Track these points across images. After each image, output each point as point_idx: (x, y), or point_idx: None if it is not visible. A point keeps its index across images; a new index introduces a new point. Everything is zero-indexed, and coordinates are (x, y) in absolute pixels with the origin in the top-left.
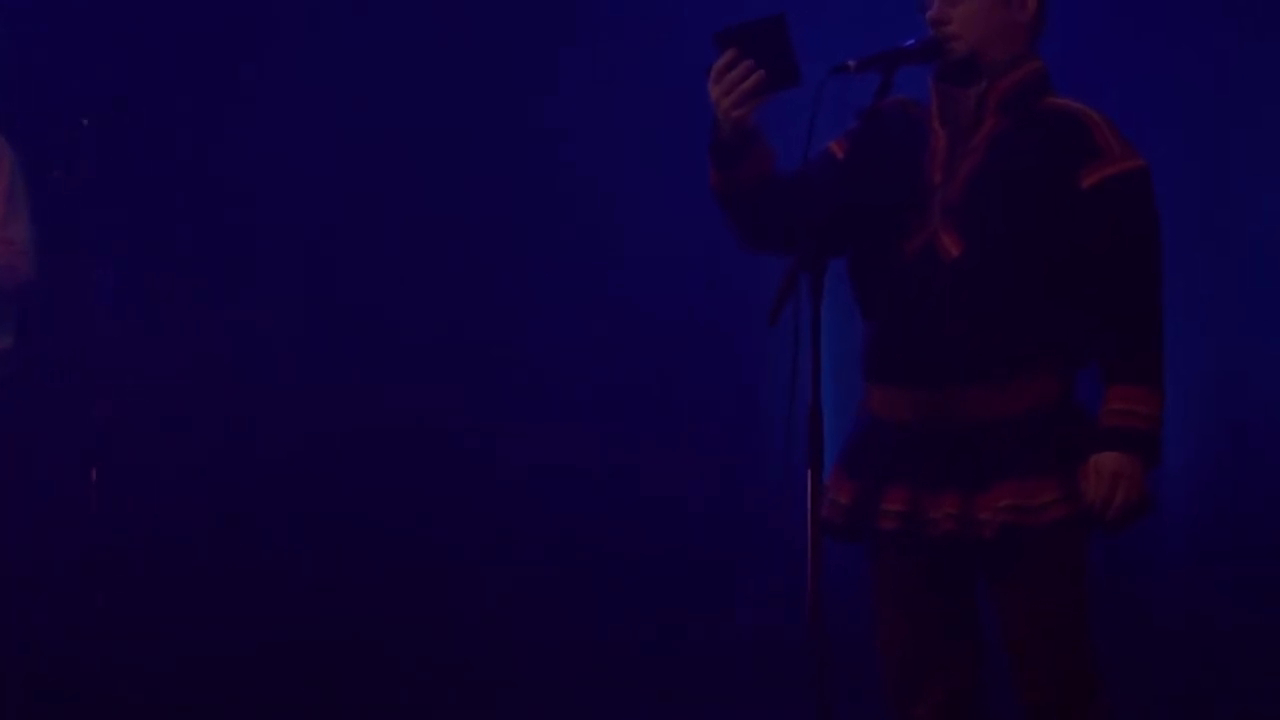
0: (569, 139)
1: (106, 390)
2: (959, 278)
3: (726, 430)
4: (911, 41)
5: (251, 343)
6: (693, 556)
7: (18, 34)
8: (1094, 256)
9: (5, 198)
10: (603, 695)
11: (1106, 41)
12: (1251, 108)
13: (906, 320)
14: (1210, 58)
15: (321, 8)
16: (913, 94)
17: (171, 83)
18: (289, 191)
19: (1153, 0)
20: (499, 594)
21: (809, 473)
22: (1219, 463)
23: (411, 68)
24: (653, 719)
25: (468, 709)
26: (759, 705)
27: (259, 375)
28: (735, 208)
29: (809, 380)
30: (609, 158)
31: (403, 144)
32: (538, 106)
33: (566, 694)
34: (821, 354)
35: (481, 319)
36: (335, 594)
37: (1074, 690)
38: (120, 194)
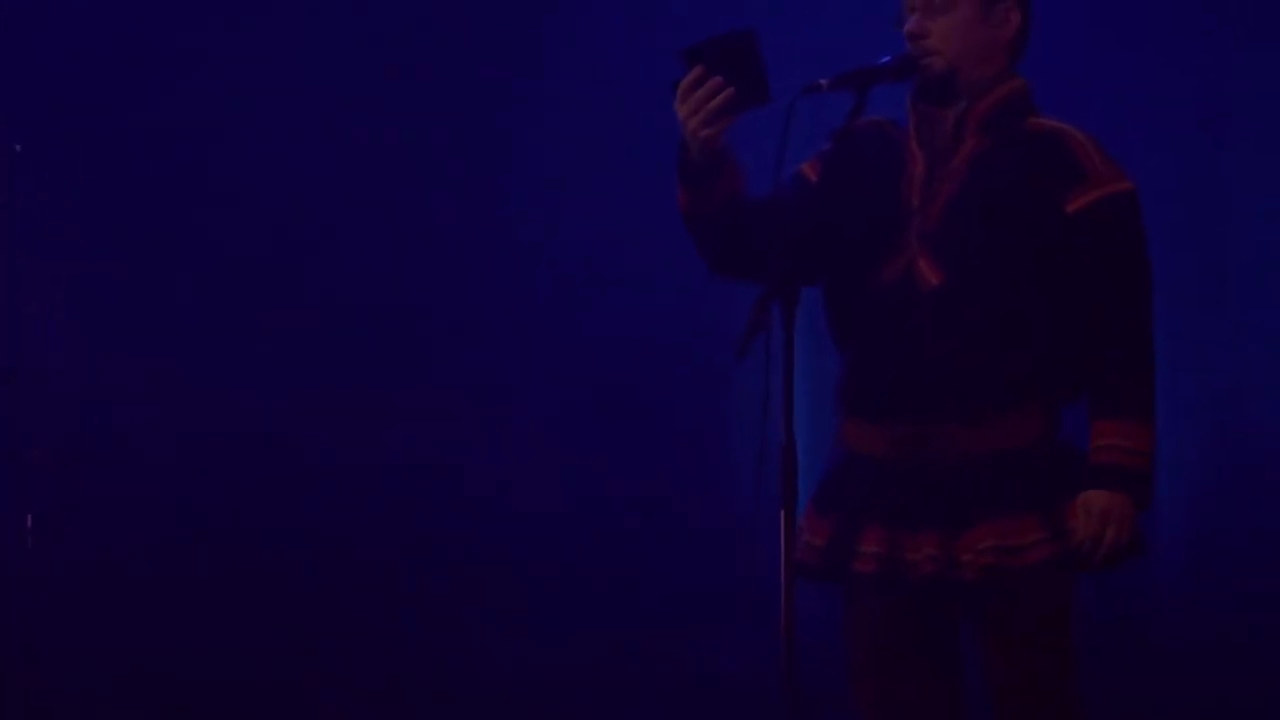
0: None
1: (51, 420)
2: (938, 307)
3: (694, 467)
4: (887, 58)
5: (218, 356)
6: (662, 599)
7: None
8: (1080, 284)
9: None
10: None
11: (1090, 57)
12: (1242, 121)
13: (883, 352)
14: (1197, 71)
15: (281, 9)
16: (891, 114)
17: (128, 89)
18: (256, 196)
19: (1137, 14)
20: (462, 625)
21: (782, 512)
22: (1219, 493)
23: (385, 68)
24: None
25: None
26: None
27: (226, 388)
28: (704, 231)
29: (781, 415)
30: (572, 182)
31: (373, 149)
32: (518, 116)
33: None
34: (794, 387)
35: (445, 350)
36: (308, 607)
37: None
38: (58, 217)
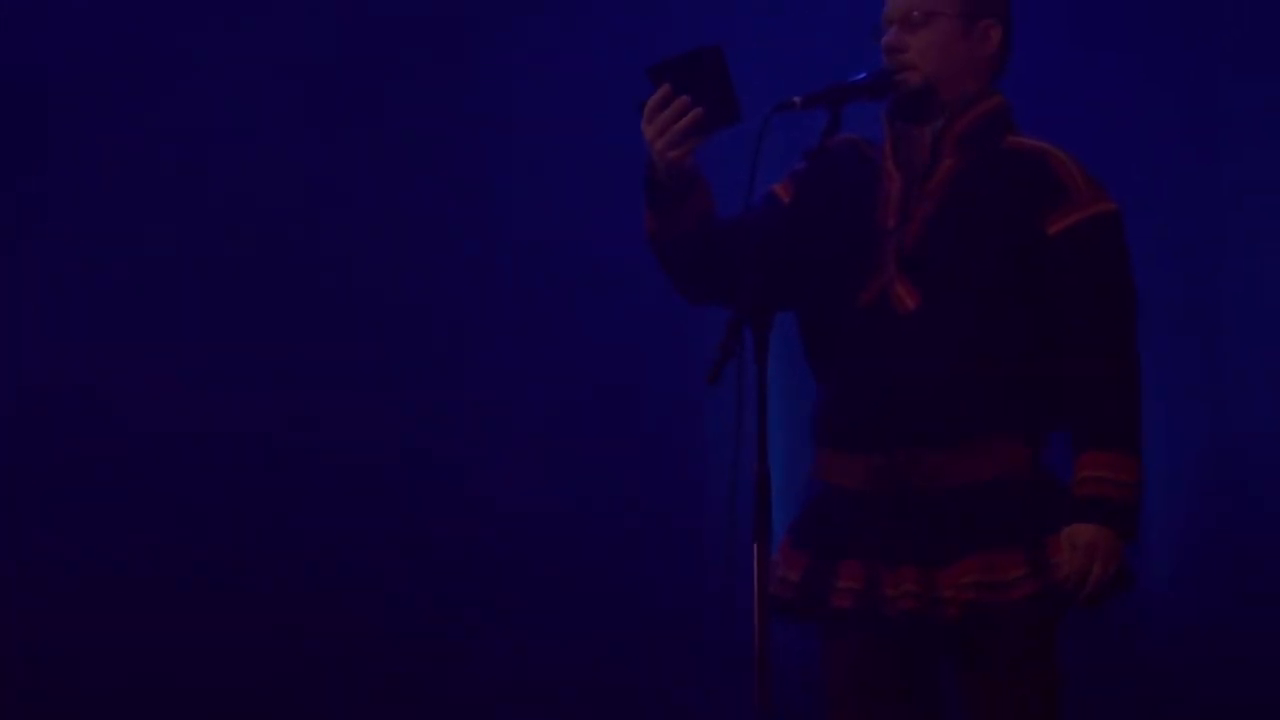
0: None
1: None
2: (916, 332)
3: (665, 500)
4: (862, 75)
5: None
6: (631, 639)
7: None
8: (1062, 308)
9: None
10: None
11: (1074, 66)
12: (1236, 139)
13: (859, 379)
14: (1191, 89)
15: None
16: (867, 132)
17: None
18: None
19: (1121, 23)
20: (442, 627)
21: (755, 547)
22: (1212, 513)
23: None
24: None
25: None
26: None
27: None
28: (673, 256)
29: (755, 445)
30: (537, 202)
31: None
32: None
33: None
34: (768, 416)
35: (432, 353)
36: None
37: None
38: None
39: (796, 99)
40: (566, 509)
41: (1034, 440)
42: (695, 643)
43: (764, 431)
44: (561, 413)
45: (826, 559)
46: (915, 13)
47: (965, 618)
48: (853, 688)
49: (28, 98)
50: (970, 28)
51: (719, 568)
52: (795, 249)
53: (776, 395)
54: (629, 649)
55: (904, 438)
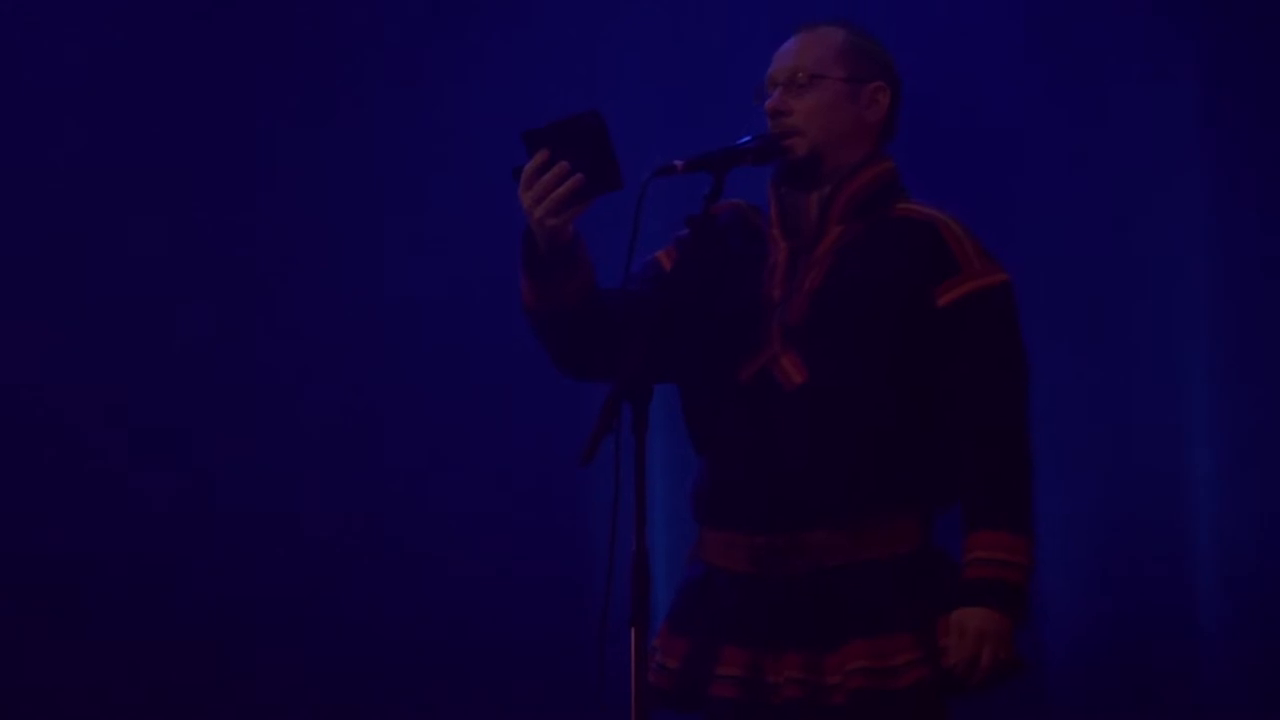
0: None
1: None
2: (802, 407)
3: (538, 583)
4: (748, 138)
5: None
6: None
7: None
8: (952, 383)
9: None
10: None
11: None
12: (1129, 194)
13: (743, 455)
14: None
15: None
16: (754, 197)
17: None
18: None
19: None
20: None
21: (632, 632)
22: (1114, 613)
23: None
24: None
25: None
26: None
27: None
28: (552, 329)
29: (632, 524)
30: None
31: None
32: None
33: None
34: (648, 494)
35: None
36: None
37: None
38: None
39: (678, 163)
40: (438, 594)
41: (924, 518)
42: None
43: (642, 508)
44: (432, 488)
45: (707, 645)
46: (801, 75)
47: (853, 705)
48: None
49: None
50: (858, 91)
51: (594, 653)
52: (677, 319)
53: (661, 470)
54: None
55: (788, 518)
